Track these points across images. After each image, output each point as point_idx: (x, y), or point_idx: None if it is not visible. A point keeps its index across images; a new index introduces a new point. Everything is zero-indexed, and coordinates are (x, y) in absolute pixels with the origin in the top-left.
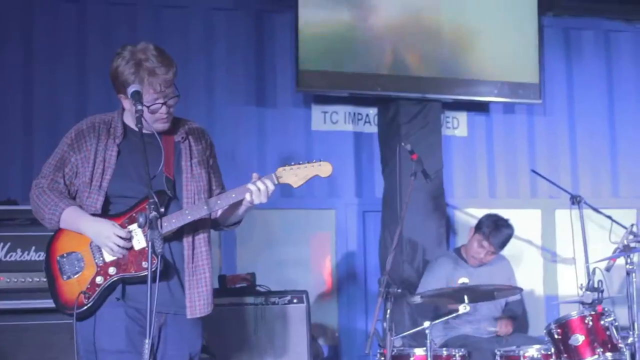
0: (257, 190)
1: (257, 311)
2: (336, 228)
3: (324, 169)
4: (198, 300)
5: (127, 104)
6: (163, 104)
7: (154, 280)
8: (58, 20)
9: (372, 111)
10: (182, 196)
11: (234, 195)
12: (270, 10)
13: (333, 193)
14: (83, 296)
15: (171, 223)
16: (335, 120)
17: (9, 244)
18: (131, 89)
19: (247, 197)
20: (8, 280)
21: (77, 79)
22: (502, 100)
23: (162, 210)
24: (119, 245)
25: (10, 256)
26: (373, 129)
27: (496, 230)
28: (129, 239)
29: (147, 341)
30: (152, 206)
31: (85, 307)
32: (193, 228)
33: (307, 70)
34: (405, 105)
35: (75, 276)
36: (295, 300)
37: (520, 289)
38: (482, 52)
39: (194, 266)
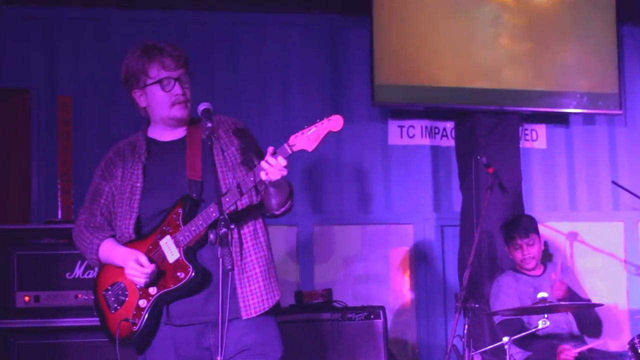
0: (270, 166)
1: (333, 327)
2: (414, 243)
3: (334, 123)
4: (251, 299)
5: (142, 100)
6: (175, 80)
7: (188, 293)
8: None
9: (449, 125)
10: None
11: (252, 179)
12: (346, 24)
13: (411, 208)
14: (128, 323)
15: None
16: (412, 134)
17: (86, 261)
18: (201, 107)
19: (263, 176)
20: (86, 297)
21: None
22: (581, 111)
23: (187, 212)
24: (136, 271)
25: (88, 274)
26: (450, 142)
27: (515, 226)
28: (150, 267)
29: (219, 358)
30: (222, 223)
31: (136, 334)
32: (235, 224)
33: (382, 84)
34: (483, 118)
35: (122, 306)
36: (372, 316)
37: (599, 304)
38: (561, 63)
39: (242, 264)
